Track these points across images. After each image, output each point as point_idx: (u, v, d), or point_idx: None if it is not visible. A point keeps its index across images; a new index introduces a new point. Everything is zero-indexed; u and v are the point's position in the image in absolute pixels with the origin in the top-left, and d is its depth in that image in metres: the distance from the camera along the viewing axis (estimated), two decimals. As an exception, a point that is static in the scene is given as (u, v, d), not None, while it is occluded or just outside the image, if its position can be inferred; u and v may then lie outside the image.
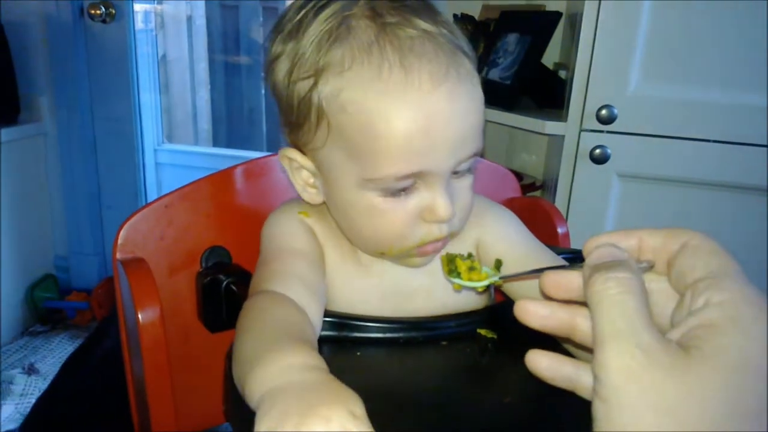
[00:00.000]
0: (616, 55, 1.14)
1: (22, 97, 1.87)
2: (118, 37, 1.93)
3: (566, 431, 0.44)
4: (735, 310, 0.30)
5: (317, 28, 0.51)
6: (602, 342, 0.31)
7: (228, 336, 0.66)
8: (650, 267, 0.35)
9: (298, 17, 0.53)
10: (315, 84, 0.51)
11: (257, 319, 0.48)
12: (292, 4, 0.55)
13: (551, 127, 1.22)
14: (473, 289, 0.52)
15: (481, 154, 0.56)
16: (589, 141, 1.18)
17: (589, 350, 0.33)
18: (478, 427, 0.44)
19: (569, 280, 0.36)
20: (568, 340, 0.38)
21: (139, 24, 2.05)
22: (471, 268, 0.52)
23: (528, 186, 1.43)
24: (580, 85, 1.17)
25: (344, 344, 0.55)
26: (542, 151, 1.56)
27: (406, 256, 0.56)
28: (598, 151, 1.17)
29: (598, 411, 0.30)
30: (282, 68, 0.54)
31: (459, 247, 0.58)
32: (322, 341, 0.54)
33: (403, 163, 0.50)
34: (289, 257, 0.56)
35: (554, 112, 1.30)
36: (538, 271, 0.39)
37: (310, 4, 0.53)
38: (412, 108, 0.49)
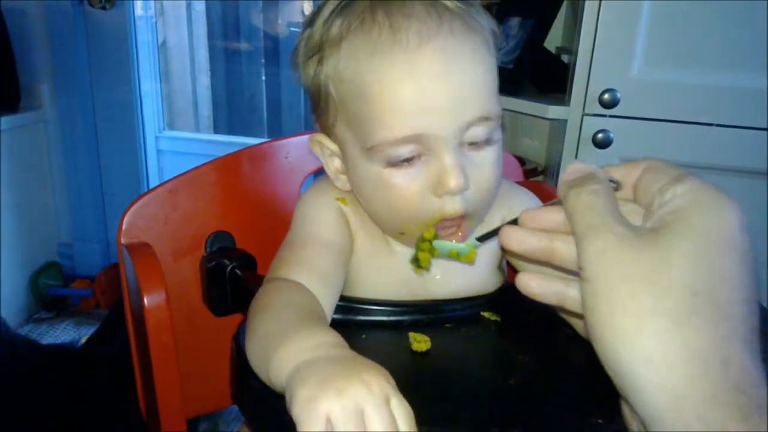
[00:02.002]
0: (619, 39, 1.14)
1: (23, 85, 1.87)
2: (118, 24, 1.92)
3: (569, 411, 0.44)
4: (698, 195, 0.33)
5: (327, 9, 0.52)
6: (581, 238, 0.35)
7: (233, 320, 0.66)
8: (617, 187, 0.39)
9: (318, 6, 0.54)
10: (320, 61, 0.52)
11: (278, 301, 0.49)
12: None
13: (554, 111, 1.22)
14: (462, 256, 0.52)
15: (501, 125, 0.54)
16: (592, 125, 1.17)
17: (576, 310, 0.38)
18: (482, 408, 0.44)
19: (546, 217, 0.40)
20: (563, 310, 0.41)
21: (139, 10, 2.04)
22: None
23: (530, 171, 1.42)
24: (583, 69, 1.16)
25: (350, 327, 0.55)
26: (544, 136, 1.55)
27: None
28: (600, 135, 1.16)
29: (585, 294, 0.34)
30: (299, 54, 0.56)
31: (484, 230, 0.58)
32: (330, 324, 0.54)
33: (397, 126, 0.49)
34: (315, 246, 0.56)
35: (557, 96, 1.29)
36: (514, 222, 0.41)
37: None
38: (400, 66, 0.48)
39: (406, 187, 0.51)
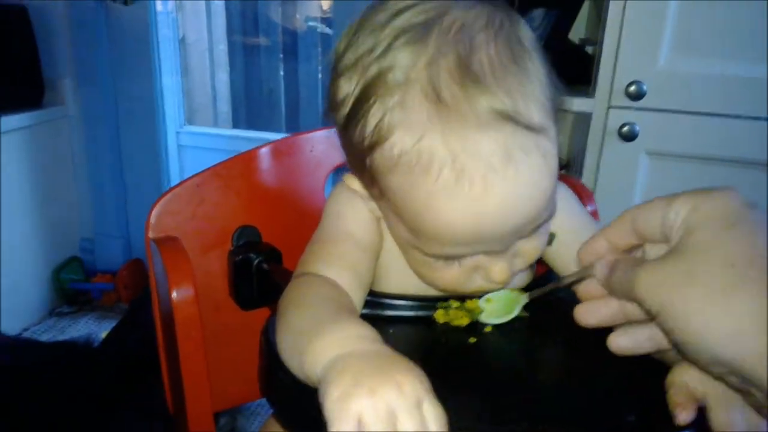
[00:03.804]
0: (645, 30, 1.11)
1: (46, 81, 1.89)
2: (139, 20, 1.93)
3: (602, 408, 0.44)
4: (693, 199, 0.39)
5: (379, 91, 0.46)
6: (632, 292, 0.40)
7: (260, 314, 0.66)
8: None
9: (362, 58, 0.48)
10: (370, 153, 0.48)
11: (311, 295, 0.48)
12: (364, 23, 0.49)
13: (579, 103, 1.20)
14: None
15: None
16: (618, 118, 1.15)
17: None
18: (512, 402, 0.44)
19: (603, 311, 0.46)
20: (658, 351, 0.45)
21: (159, 6, 2.05)
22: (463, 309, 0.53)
23: (553, 165, 1.41)
24: (609, 61, 1.15)
25: (377, 322, 0.55)
26: (567, 129, 1.53)
27: None
28: (626, 128, 1.14)
29: (663, 323, 0.38)
30: (343, 115, 0.50)
31: None
32: (356, 319, 0.54)
33: (453, 249, 0.49)
34: (345, 242, 0.55)
35: (581, 88, 1.28)
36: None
37: (378, 48, 0.46)
38: (463, 211, 0.45)
39: (450, 273, 0.52)
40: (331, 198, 0.60)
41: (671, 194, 0.41)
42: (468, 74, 0.43)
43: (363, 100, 0.47)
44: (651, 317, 0.39)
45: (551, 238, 0.56)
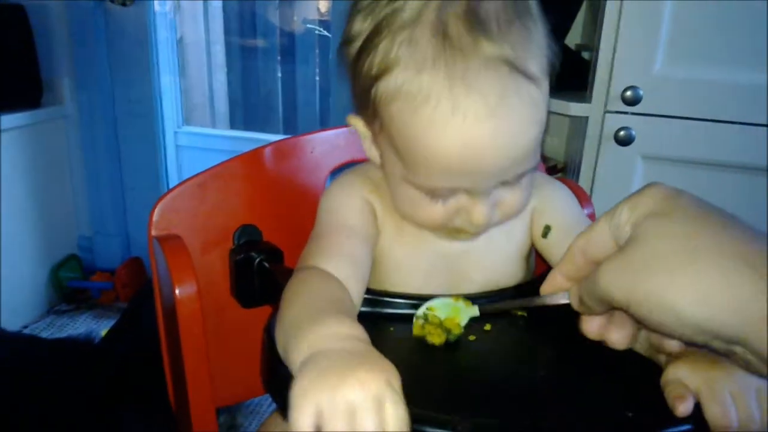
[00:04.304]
0: (641, 36, 1.13)
1: (44, 81, 1.89)
2: (138, 20, 1.94)
3: (601, 404, 0.45)
4: (631, 200, 0.43)
5: (390, 27, 0.50)
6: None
7: (261, 312, 0.67)
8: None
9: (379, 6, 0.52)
10: (375, 82, 0.51)
11: (303, 292, 0.49)
12: None
13: (575, 108, 1.21)
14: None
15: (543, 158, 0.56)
16: (614, 123, 1.17)
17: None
18: (512, 399, 0.45)
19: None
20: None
21: (157, 7, 2.05)
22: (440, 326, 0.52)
23: (550, 168, 1.42)
24: (605, 66, 1.16)
25: (378, 320, 0.56)
26: (563, 134, 1.55)
27: (444, 233, 0.58)
28: (622, 132, 1.16)
29: (638, 309, 0.40)
30: (354, 49, 0.54)
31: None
32: (358, 317, 0.55)
33: (441, 180, 0.51)
34: (341, 234, 0.57)
35: (577, 93, 1.29)
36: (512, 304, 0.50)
37: None
38: (454, 140, 0.48)
39: (435, 212, 0.55)
40: (324, 195, 0.63)
41: (609, 210, 0.44)
42: (475, 19, 0.47)
43: (375, 34, 0.51)
44: (625, 312, 0.42)
45: (546, 230, 0.59)
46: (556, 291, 0.49)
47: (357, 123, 0.58)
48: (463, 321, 0.53)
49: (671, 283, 0.37)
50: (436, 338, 0.51)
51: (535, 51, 0.50)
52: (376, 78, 0.51)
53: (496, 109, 0.47)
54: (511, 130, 0.49)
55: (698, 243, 0.37)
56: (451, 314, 0.53)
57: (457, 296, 0.55)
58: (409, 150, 0.51)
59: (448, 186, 0.52)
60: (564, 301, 0.49)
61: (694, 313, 0.36)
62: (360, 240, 0.58)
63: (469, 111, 0.47)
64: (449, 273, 0.61)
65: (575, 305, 0.47)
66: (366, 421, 0.35)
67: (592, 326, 0.48)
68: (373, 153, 0.59)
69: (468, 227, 0.55)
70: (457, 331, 0.52)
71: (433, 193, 0.53)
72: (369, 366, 0.37)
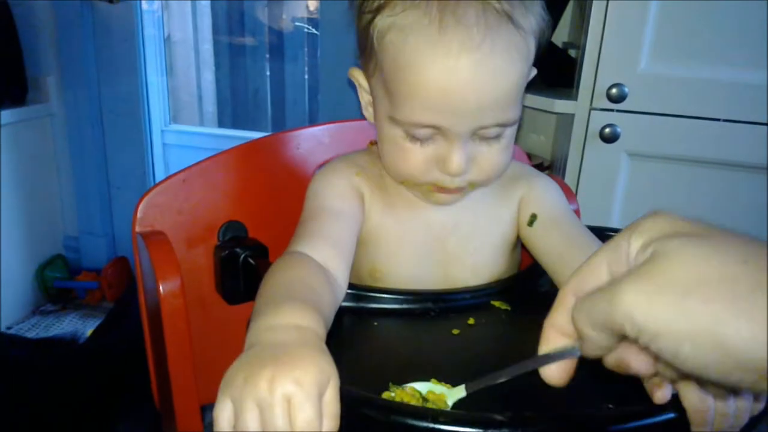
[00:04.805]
0: (626, 34, 1.14)
1: (30, 78, 1.87)
2: (125, 18, 1.92)
3: (581, 398, 0.45)
4: (636, 226, 0.35)
5: None
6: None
7: (246, 308, 0.67)
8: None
9: None
10: (373, 19, 0.54)
11: (268, 283, 0.50)
12: None
13: (561, 105, 1.22)
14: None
15: (518, 124, 0.58)
16: (599, 120, 1.17)
17: None
18: (492, 394, 0.45)
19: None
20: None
21: (144, 5, 2.04)
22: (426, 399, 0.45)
23: (536, 166, 1.43)
24: (591, 64, 1.17)
25: (363, 315, 0.56)
26: (550, 131, 1.56)
27: (425, 191, 0.60)
28: (608, 129, 1.17)
29: (654, 342, 0.32)
30: None
31: (505, 202, 0.64)
32: (343, 312, 0.55)
33: (422, 115, 0.53)
34: (321, 217, 0.59)
35: (563, 91, 1.30)
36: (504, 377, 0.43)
37: None
38: (438, 69, 0.51)
39: (415, 157, 0.57)
40: (311, 182, 0.64)
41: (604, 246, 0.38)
42: None
43: None
44: (637, 344, 0.34)
45: (533, 219, 0.61)
46: (552, 345, 0.42)
47: (357, 75, 0.62)
48: (450, 401, 0.46)
49: (728, 314, 0.30)
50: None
51: (527, 7, 0.53)
52: (376, 11, 0.54)
53: (481, 44, 0.50)
54: (493, 67, 0.51)
55: (753, 268, 0.30)
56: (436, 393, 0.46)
57: (437, 381, 0.47)
58: (396, 82, 0.54)
59: (428, 122, 0.54)
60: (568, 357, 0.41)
61: (748, 350, 0.29)
62: (342, 219, 0.59)
63: (453, 42, 0.50)
64: (440, 253, 0.63)
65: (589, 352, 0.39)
66: (275, 419, 0.34)
67: (609, 357, 0.39)
68: (368, 108, 0.62)
69: (444, 181, 0.57)
70: (440, 407, 0.44)
71: (414, 135, 0.55)
72: (285, 362, 0.36)
